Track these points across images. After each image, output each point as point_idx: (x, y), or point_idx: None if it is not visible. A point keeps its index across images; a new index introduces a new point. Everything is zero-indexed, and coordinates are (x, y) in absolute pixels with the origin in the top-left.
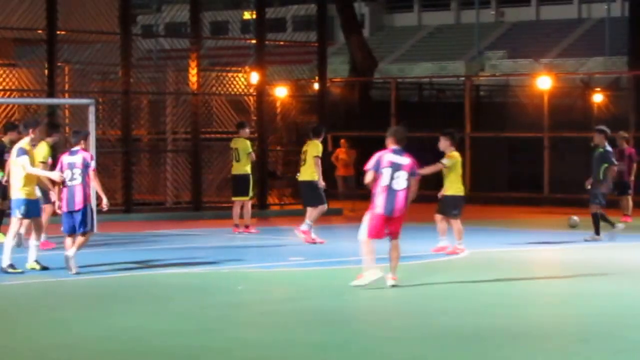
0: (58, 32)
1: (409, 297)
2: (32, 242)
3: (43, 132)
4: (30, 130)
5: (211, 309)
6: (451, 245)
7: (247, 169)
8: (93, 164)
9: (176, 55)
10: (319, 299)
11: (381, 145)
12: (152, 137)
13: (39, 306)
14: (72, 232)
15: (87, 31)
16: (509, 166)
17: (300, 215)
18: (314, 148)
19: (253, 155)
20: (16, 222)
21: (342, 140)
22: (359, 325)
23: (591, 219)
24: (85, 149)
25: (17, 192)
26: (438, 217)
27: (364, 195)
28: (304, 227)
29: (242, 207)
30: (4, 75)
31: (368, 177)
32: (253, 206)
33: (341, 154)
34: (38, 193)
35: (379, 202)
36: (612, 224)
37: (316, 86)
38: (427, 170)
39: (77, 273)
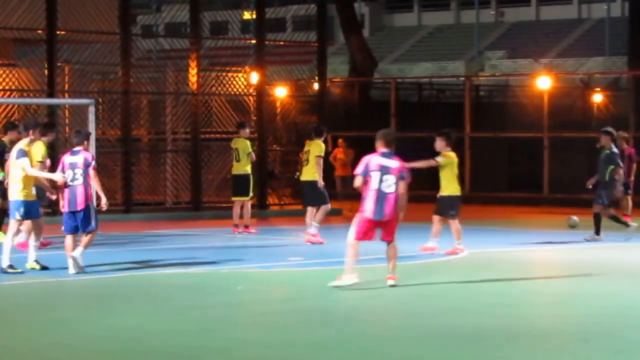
0: (58, 32)
1: (408, 297)
2: (31, 242)
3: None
4: (31, 131)
5: (211, 309)
6: (439, 248)
7: (248, 169)
8: (94, 163)
9: (176, 55)
10: (319, 299)
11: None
12: (151, 137)
13: (39, 306)
14: (73, 232)
15: (87, 31)
16: (508, 166)
17: (300, 216)
18: (316, 148)
19: (253, 155)
20: (15, 223)
21: (340, 140)
22: (359, 325)
23: (593, 219)
24: (86, 149)
25: (16, 194)
26: (436, 218)
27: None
28: (313, 230)
29: (241, 207)
30: (4, 75)
31: (357, 182)
32: (253, 206)
33: (339, 153)
34: (33, 191)
35: (368, 206)
36: (626, 225)
37: (316, 86)
38: (419, 164)
39: (77, 273)
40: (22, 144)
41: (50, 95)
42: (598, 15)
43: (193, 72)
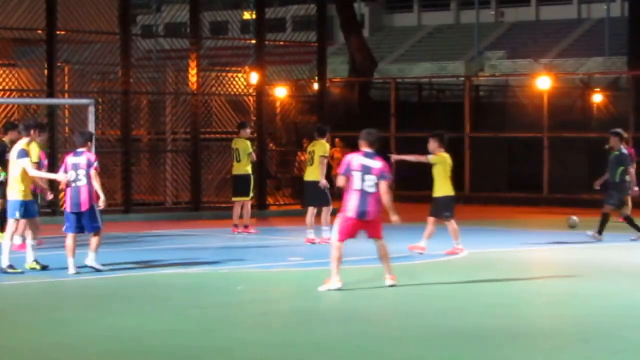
0: (58, 32)
1: (408, 297)
2: (29, 242)
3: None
4: (31, 132)
5: (211, 309)
6: (427, 248)
7: (248, 169)
8: (96, 164)
9: (176, 55)
10: (319, 299)
11: (381, 146)
12: (151, 137)
13: (39, 306)
14: (77, 232)
15: (86, 31)
16: (508, 166)
17: (300, 216)
18: (320, 148)
19: (253, 155)
20: (13, 223)
21: (337, 140)
22: (359, 325)
23: (600, 218)
24: (90, 150)
25: (14, 194)
26: (431, 219)
27: None
28: (325, 234)
29: (241, 207)
30: (4, 75)
31: (339, 181)
32: (252, 206)
33: (336, 153)
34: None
35: (351, 205)
36: (638, 229)
37: (316, 86)
38: (410, 157)
39: (76, 272)
40: (22, 143)
41: (50, 95)
42: (598, 15)
43: (193, 72)
